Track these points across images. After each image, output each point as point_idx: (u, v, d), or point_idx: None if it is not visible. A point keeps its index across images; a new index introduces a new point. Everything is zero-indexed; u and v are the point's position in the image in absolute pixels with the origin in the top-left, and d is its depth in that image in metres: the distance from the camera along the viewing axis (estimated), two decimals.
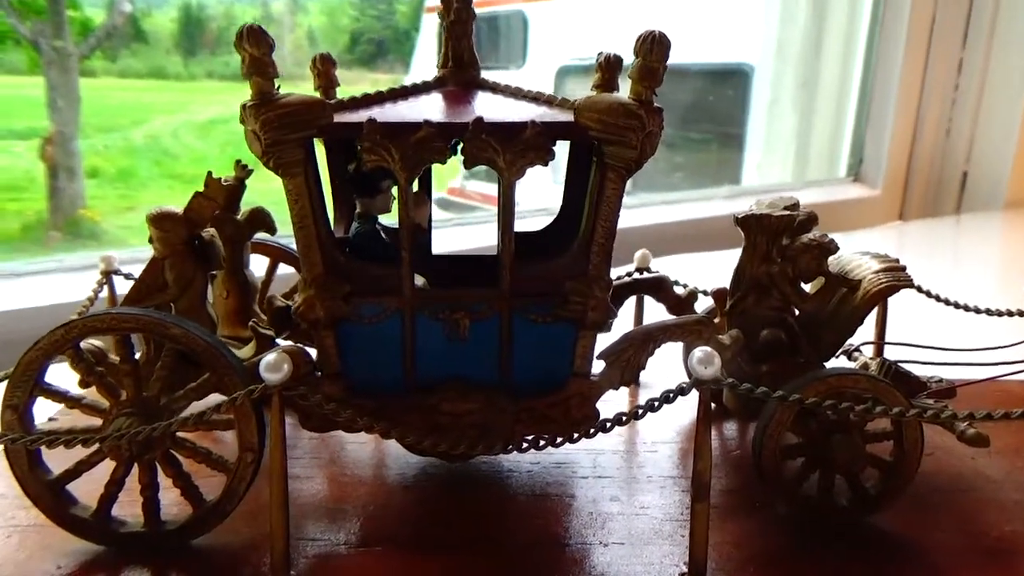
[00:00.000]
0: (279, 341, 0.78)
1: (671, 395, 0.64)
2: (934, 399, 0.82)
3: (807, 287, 0.80)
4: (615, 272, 0.92)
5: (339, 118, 0.67)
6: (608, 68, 0.85)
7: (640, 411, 0.65)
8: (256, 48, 0.65)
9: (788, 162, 2.87)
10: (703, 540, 0.65)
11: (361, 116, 0.67)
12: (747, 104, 3.07)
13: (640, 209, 2.30)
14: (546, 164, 0.69)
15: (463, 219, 2.30)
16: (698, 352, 0.62)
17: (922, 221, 2.60)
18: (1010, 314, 1.03)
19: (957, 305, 1.04)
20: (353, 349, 0.73)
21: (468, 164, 0.68)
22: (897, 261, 0.80)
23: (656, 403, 0.64)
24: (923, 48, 2.55)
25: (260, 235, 0.90)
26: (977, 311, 1.04)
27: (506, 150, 0.67)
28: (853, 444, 0.71)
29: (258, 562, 0.67)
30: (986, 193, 2.60)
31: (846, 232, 2.49)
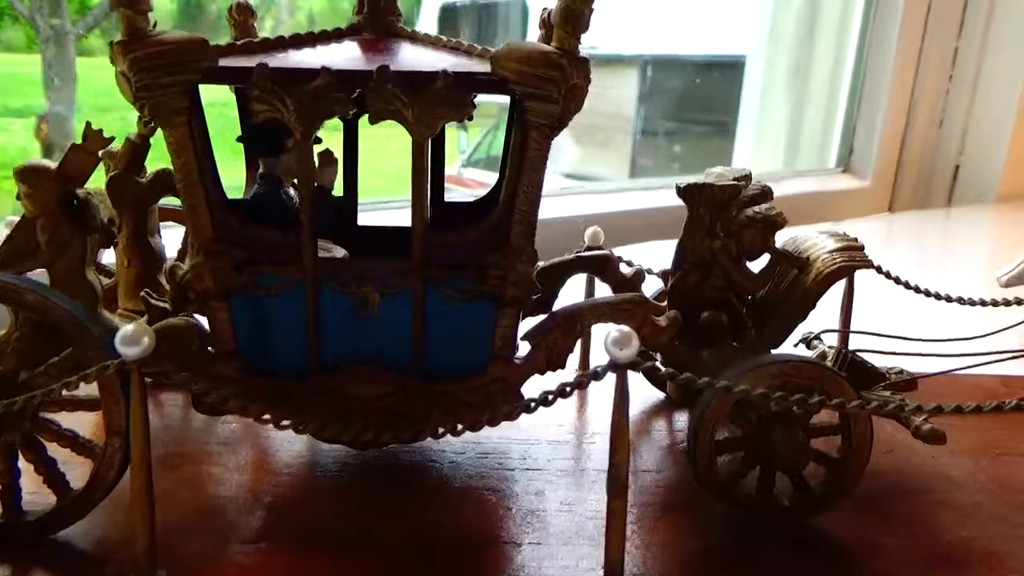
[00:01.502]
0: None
1: (584, 380, 0.57)
2: (893, 391, 0.76)
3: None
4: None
5: (226, 62, 0.60)
6: (551, 25, 0.78)
7: (550, 396, 0.58)
8: None
9: (779, 152, 2.81)
10: (620, 541, 0.58)
11: (253, 61, 0.60)
12: (739, 93, 3.02)
13: (606, 195, 2.24)
14: (461, 120, 0.62)
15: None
16: (614, 332, 0.55)
17: (911, 213, 2.53)
18: (983, 304, 0.96)
19: (928, 293, 0.97)
20: (249, 324, 0.66)
21: (372, 118, 0.61)
22: (856, 240, 0.73)
23: (568, 388, 0.57)
24: (918, 37, 2.48)
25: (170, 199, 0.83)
26: (948, 299, 0.97)
27: (415, 103, 0.60)
28: (796, 439, 0.64)
29: (125, 558, 0.60)
30: (978, 186, 2.53)
31: (834, 222, 2.43)
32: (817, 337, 0.89)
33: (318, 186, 0.67)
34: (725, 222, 0.69)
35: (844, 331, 0.96)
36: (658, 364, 0.56)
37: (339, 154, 0.79)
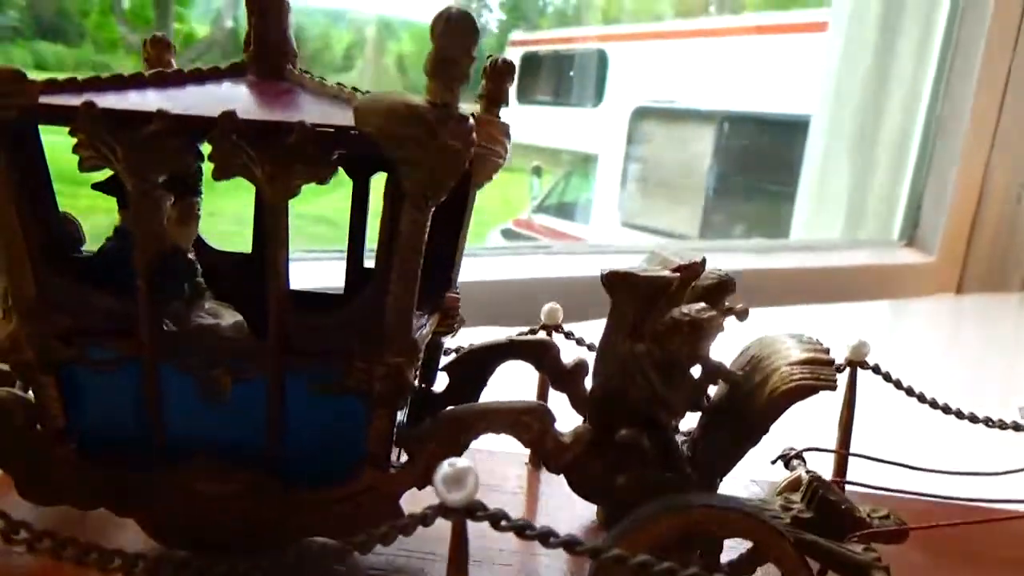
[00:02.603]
0: None
1: (408, 525, 0.44)
2: (872, 542, 0.61)
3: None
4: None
5: (49, 99, 0.52)
6: (495, 75, 0.68)
7: (385, 534, 0.46)
8: None
9: (839, 219, 2.63)
10: None
11: (81, 100, 0.51)
12: (802, 156, 2.89)
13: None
14: (322, 182, 0.52)
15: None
16: (445, 467, 0.43)
17: (981, 296, 2.31)
18: (1016, 428, 0.79)
19: (948, 410, 0.81)
20: (83, 403, 0.57)
21: (216, 174, 0.51)
22: (826, 352, 0.59)
23: (390, 531, 0.45)
24: (996, 102, 2.29)
25: None
26: (971, 418, 0.80)
27: (264, 159, 0.50)
28: None
29: None
30: None
31: (895, 299, 2.24)
32: (799, 456, 0.74)
33: (174, 245, 0.58)
34: (652, 322, 0.56)
35: (839, 451, 0.81)
36: (504, 513, 0.43)
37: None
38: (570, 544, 0.43)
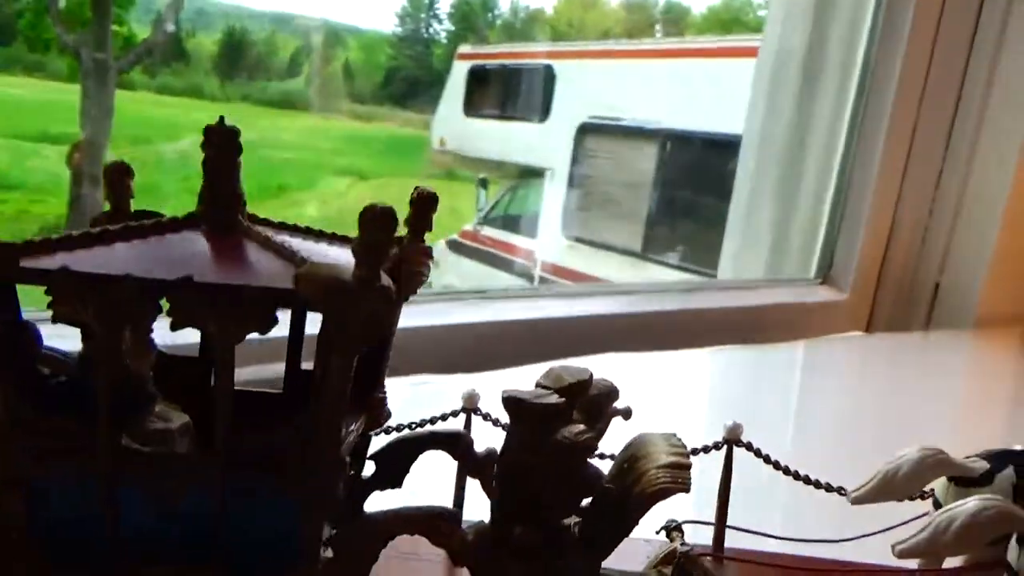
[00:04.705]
0: None
1: None
2: None
3: None
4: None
5: (28, 263, 0.61)
6: (420, 205, 0.79)
7: None
8: None
9: (763, 256, 2.78)
10: None
11: (56, 262, 0.61)
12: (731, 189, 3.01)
13: (580, 300, 2.22)
14: (264, 332, 0.62)
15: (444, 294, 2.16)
16: None
17: (888, 335, 2.48)
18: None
19: (798, 477, 0.94)
20: (44, 511, 0.66)
21: (172, 327, 0.61)
22: (686, 456, 0.72)
23: None
24: (903, 153, 2.47)
25: None
26: (828, 489, 0.93)
27: (216, 316, 0.61)
28: None
29: None
30: (957, 307, 2.49)
31: (809, 339, 2.39)
32: (678, 528, 0.87)
33: (134, 378, 0.67)
34: (543, 439, 0.67)
35: (715, 523, 0.94)
36: None
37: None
38: None
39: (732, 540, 0.96)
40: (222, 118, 0.68)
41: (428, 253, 0.80)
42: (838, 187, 2.55)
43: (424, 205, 0.79)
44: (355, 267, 0.60)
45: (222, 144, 0.69)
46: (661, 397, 1.65)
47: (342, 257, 0.65)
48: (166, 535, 0.66)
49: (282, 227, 0.72)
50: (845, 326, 2.50)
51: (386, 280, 0.60)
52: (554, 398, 0.68)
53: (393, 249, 0.75)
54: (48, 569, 0.66)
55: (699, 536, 0.95)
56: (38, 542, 0.66)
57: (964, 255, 2.48)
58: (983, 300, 2.41)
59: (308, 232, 0.74)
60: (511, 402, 0.68)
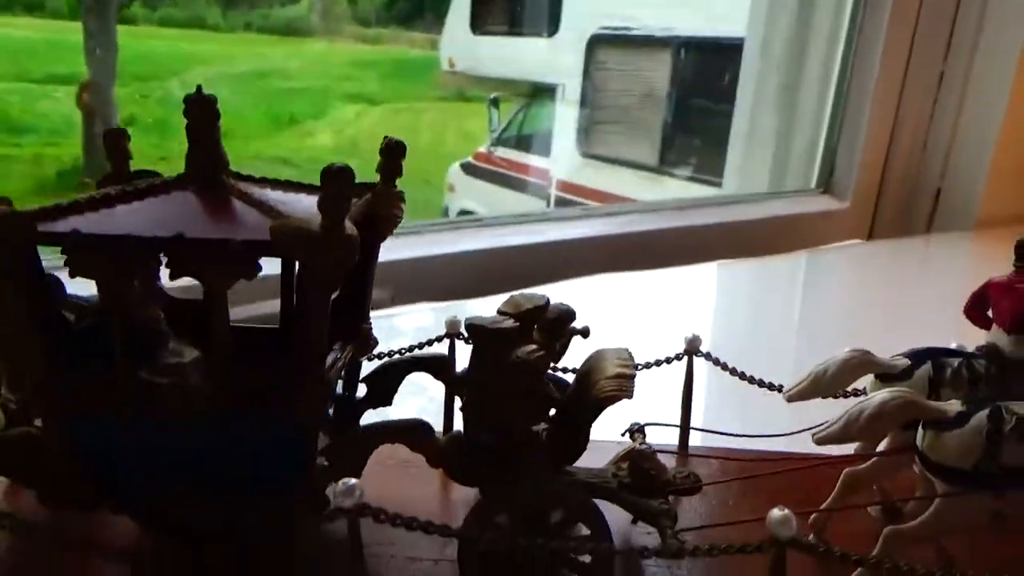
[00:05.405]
0: None
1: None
2: (674, 495, 0.84)
3: None
4: None
5: (44, 227, 0.71)
6: (389, 154, 0.87)
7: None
8: None
9: (766, 168, 2.80)
10: None
11: (69, 225, 0.70)
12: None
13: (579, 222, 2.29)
14: (250, 278, 0.72)
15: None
16: (340, 485, 0.65)
17: (889, 241, 2.52)
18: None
19: (752, 381, 1.02)
20: (81, 441, 0.77)
21: (171, 277, 0.71)
22: (631, 367, 0.81)
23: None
24: (903, 58, 2.46)
25: None
26: (771, 388, 1.00)
27: (208, 267, 0.70)
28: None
29: None
30: (958, 211, 2.52)
31: (811, 249, 2.43)
32: (640, 430, 0.96)
33: (145, 321, 0.78)
34: (502, 359, 0.77)
35: (682, 426, 1.04)
36: (381, 509, 0.66)
37: None
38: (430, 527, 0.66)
39: (703, 441, 1.06)
40: (199, 87, 0.76)
41: (400, 197, 0.88)
42: (838, 94, 2.55)
43: (392, 153, 0.87)
44: (321, 219, 0.69)
45: (202, 112, 0.77)
46: (664, 313, 1.72)
47: (315, 207, 0.73)
48: (181, 455, 0.77)
49: (263, 182, 0.81)
50: (847, 234, 2.54)
51: (350, 228, 0.69)
52: (509, 323, 0.77)
53: (367, 195, 0.84)
54: (91, 490, 0.79)
55: (673, 439, 1.05)
56: (79, 465, 0.78)
57: (965, 159, 2.49)
58: (984, 202, 2.43)
59: (288, 185, 0.83)
60: (470, 328, 0.77)
